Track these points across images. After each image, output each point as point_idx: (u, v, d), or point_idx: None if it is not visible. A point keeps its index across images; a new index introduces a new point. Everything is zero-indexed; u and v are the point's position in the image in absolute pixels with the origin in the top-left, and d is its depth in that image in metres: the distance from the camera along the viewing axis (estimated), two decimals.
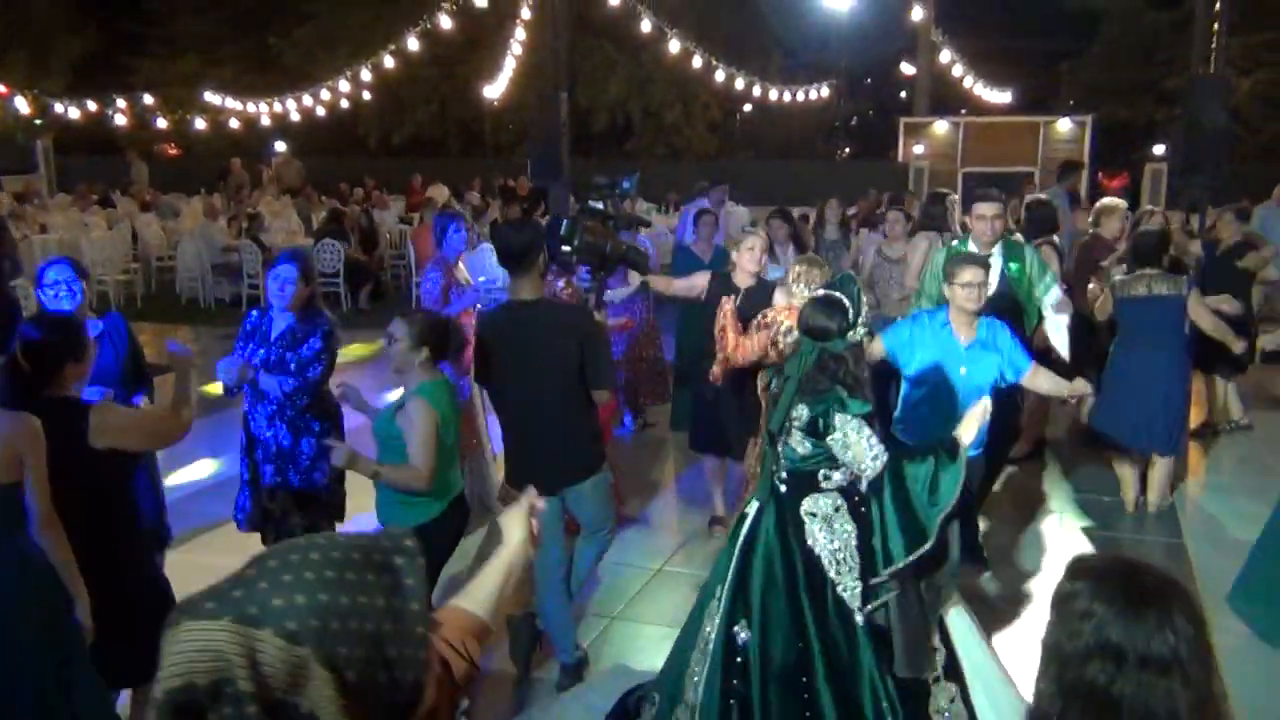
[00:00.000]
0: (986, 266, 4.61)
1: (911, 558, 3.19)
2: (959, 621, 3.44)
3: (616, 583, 5.26)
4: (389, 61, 19.06)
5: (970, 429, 3.40)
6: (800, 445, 3.34)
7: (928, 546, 3.18)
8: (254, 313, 4.56)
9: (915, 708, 3.22)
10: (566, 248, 4.35)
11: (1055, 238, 7.05)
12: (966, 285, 4.39)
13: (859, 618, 3.23)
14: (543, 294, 4.24)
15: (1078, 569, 1.70)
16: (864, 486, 3.31)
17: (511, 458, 4.25)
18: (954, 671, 3.34)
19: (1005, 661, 3.66)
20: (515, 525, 2.02)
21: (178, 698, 1.11)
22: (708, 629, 3.47)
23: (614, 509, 4.45)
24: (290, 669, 1.13)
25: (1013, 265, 5.51)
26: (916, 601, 3.23)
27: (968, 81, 22.70)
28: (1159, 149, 23.36)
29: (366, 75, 19.88)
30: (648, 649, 4.62)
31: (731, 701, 3.32)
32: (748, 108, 28.46)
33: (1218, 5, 9.92)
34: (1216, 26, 10.20)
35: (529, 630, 4.38)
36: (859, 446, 3.24)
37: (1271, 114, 24.46)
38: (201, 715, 1.11)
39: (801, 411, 3.31)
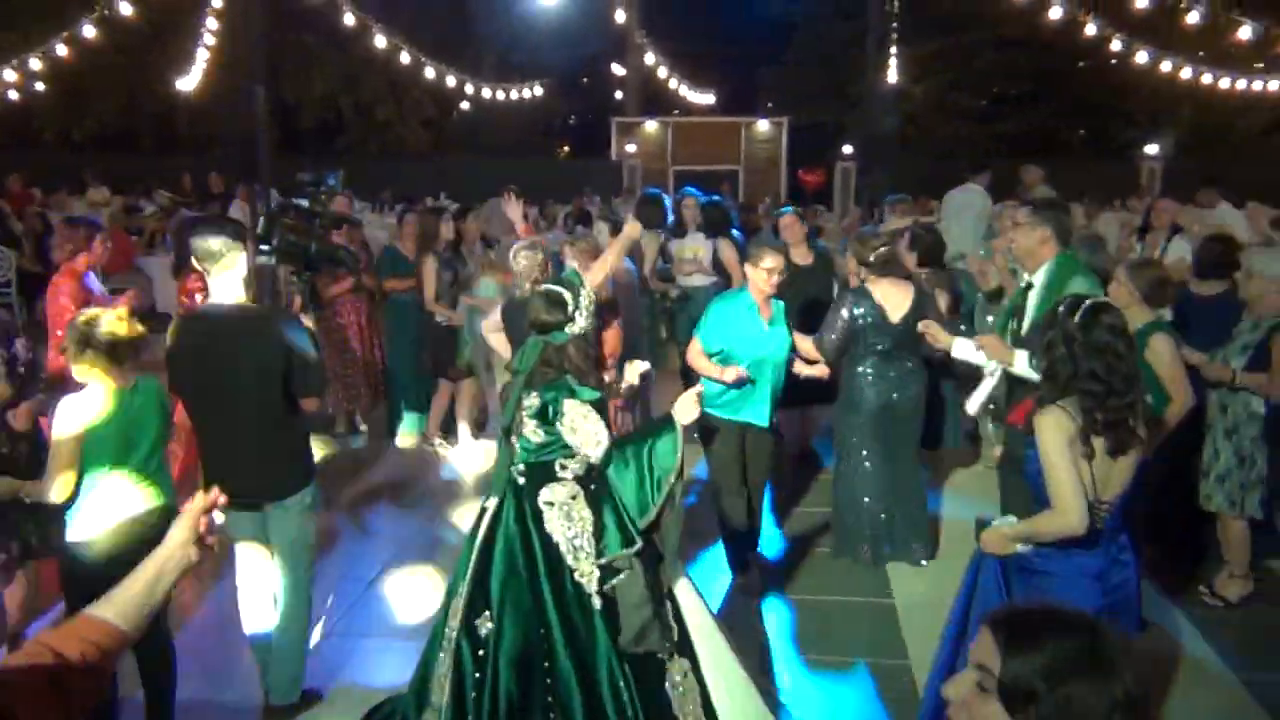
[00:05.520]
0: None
1: (638, 544, 3.31)
2: (688, 598, 3.56)
3: (330, 597, 5.08)
4: (63, 49, 17.27)
5: (688, 408, 3.50)
6: (534, 434, 3.43)
7: (652, 516, 3.35)
8: None
9: (650, 683, 3.34)
10: (264, 247, 4.11)
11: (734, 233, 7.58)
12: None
13: (596, 601, 3.33)
14: (243, 298, 3.97)
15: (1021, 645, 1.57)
16: (594, 471, 3.41)
17: (209, 475, 3.94)
18: (686, 647, 3.46)
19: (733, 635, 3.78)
20: (179, 525, 1.95)
21: None
22: (451, 626, 3.47)
23: (315, 542, 4.23)
24: None
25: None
26: (646, 578, 3.33)
27: (673, 83, 23.52)
28: (848, 149, 25.30)
29: (37, 64, 17.95)
30: (370, 661, 4.50)
31: (474, 694, 3.33)
32: (465, 106, 28.15)
33: (894, 22, 10.83)
34: (890, 38, 11.11)
35: None
36: (585, 432, 3.37)
37: (943, 119, 27.02)
38: None
39: (532, 400, 3.42)
